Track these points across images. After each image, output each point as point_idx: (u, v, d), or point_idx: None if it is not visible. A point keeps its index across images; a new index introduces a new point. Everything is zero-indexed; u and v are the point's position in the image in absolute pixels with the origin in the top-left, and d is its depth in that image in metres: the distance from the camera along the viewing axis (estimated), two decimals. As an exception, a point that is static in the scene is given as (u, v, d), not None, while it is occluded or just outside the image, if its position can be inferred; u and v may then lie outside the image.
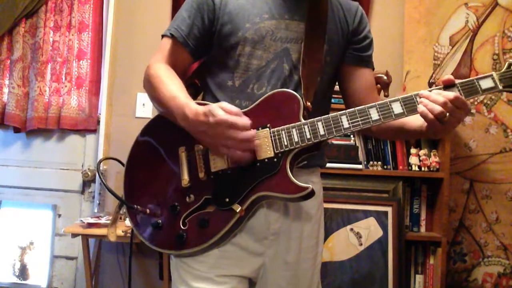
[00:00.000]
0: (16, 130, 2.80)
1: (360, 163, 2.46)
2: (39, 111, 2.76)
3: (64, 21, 2.80)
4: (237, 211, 1.12)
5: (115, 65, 2.86)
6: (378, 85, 2.52)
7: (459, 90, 1.08)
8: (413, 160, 2.46)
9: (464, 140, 2.67)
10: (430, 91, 1.09)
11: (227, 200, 1.13)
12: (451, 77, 1.09)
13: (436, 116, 1.05)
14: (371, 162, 2.50)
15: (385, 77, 2.50)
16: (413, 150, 2.48)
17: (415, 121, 1.16)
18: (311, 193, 1.09)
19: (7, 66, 2.80)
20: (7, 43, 2.79)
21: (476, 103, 2.66)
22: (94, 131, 2.84)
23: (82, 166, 2.86)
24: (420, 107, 1.07)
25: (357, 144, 2.50)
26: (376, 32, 2.76)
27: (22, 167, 2.87)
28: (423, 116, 1.07)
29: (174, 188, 1.19)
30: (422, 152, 2.48)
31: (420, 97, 1.08)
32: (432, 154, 2.47)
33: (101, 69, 2.85)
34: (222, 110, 1.06)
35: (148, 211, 1.20)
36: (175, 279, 1.24)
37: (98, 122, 2.82)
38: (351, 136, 2.51)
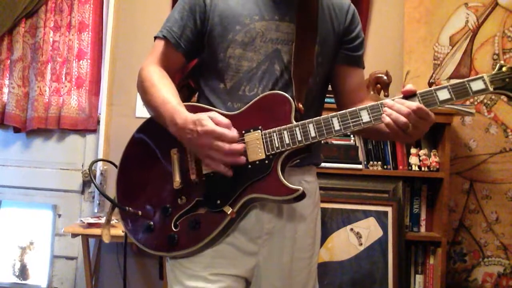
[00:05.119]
0: (16, 130, 2.80)
1: (360, 163, 2.46)
2: (39, 111, 2.76)
3: (64, 21, 2.80)
4: (228, 213, 1.12)
5: (115, 65, 2.86)
6: (378, 85, 2.52)
7: (419, 100, 1.08)
8: (413, 160, 2.46)
9: (464, 140, 2.67)
10: (393, 100, 1.09)
11: (219, 202, 1.13)
12: (411, 87, 1.10)
13: (400, 127, 1.06)
14: (371, 162, 2.50)
15: (385, 77, 2.50)
16: (413, 150, 2.48)
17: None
18: (302, 195, 1.10)
19: (7, 66, 2.80)
20: (7, 43, 2.79)
21: (476, 103, 2.66)
22: (94, 131, 2.84)
23: (82, 166, 2.86)
24: (385, 118, 1.08)
25: (357, 144, 2.50)
26: (376, 32, 2.78)
27: (22, 167, 2.87)
28: (389, 127, 1.08)
29: (166, 189, 1.19)
30: (422, 152, 2.48)
31: (384, 107, 1.09)
32: (432, 154, 2.47)
33: (101, 69, 2.85)
34: (212, 120, 1.08)
35: (140, 213, 1.20)
36: (170, 279, 1.24)
37: (98, 122, 2.82)
38: (351, 136, 2.51)
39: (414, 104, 1.06)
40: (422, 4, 2.68)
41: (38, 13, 2.77)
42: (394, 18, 2.76)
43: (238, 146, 1.09)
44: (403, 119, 1.06)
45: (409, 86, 1.10)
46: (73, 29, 2.80)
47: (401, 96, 1.11)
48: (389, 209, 2.41)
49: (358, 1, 2.67)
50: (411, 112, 1.06)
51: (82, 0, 2.81)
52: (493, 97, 2.65)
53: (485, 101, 2.66)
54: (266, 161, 1.13)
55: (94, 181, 1.33)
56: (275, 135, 1.13)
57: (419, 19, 2.68)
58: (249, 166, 1.13)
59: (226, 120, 1.09)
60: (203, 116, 1.09)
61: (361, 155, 2.50)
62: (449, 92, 1.08)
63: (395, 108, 1.07)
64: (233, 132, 1.09)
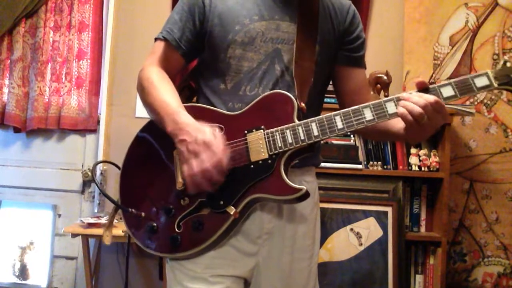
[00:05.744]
0: (16, 130, 2.80)
1: (360, 163, 2.46)
2: (39, 111, 2.76)
3: (64, 21, 2.80)
4: (231, 213, 1.12)
5: (115, 65, 2.86)
6: (378, 85, 2.52)
7: (431, 93, 1.08)
8: (413, 160, 2.46)
9: (464, 140, 2.67)
10: (411, 93, 1.09)
11: (222, 202, 1.13)
12: (424, 80, 1.10)
13: (415, 118, 1.06)
14: (371, 162, 2.50)
15: (385, 77, 2.50)
16: (413, 150, 2.48)
17: (397, 123, 1.16)
18: (306, 195, 1.10)
19: (7, 66, 2.80)
20: (7, 43, 2.79)
21: (476, 103, 2.66)
22: (94, 131, 2.84)
23: (82, 166, 2.86)
24: (400, 109, 1.07)
25: (357, 144, 2.50)
26: (376, 32, 2.78)
27: (22, 167, 2.87)
28: (403, 117, 1.07)
29: (169, 191, 1.18)
30: (422, 152, 2.48)
31: (400, 99, 1.09)
32: (432, 154, 2.47)
33: (101, 69, 2.85)
34: (214, 136, 1.08)
35: (143, 214, 1.20)
36: (170, 280, 1.24)
37: (98, 122, 2.82)
38: (351, 136, 2.51)
39: (432, 97, 1.06)
40: (422, 4, 2.68)
41: (38, 13, 2.77)
42: (394, 18, 2.76)
43: (216, 175, 1.07)
44: (418, 109, 1.05)
45: (420, 79, 1.10)
46: (73, 29, 2.80)
47: (416, 90, 1.10)
48: (389, 209, 2.41)
49: (358, 1, 2.66)
50: (428, 104, 1.05)
51: (82, 0, 2.81)
52: (493, 97, 2.65)
53: (485, 101, 2.66)
54: (269, 161, 1.12)
55: (97, 183, 1.32)
56: (277, 134, 1.13)
57: (419, 19, 2.68)
58: (252, 166, 1.13)
59: (223, 145, 1.09)
60: (209, 128, 1.09)
61: (361, 155, 2.50)
62: (453, 89, 1.07)
63: (413, 100, 1.07)
64: (226, 157, 1.08)
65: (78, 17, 2.80)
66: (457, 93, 1.07)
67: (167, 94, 1.18)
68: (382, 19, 2.79)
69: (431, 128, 1.10)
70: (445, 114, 1.08)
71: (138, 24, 2.86)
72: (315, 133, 1.11)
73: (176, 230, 1.16)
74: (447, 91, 1.08)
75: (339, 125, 1.11)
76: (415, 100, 1.06)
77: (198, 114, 1.15)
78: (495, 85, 1.06)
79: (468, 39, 2.67)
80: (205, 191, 1.11)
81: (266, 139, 1.13)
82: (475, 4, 2.66)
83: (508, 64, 1.07)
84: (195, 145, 1.07)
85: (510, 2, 2.64)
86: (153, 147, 1.25)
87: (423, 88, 1.09)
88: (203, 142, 1.07)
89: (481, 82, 1.07)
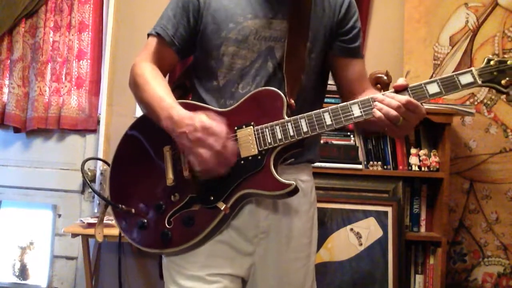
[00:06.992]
0: (16, 130, 2.80)
1: (360, 163, 2.46)
2: (39, 111, 2.76)
3: (64, 21, 2.80)
4: (222, 208, 1.13)
5: (115, 65, 2.86)
6: (378, 85, 2.52)
7: (409, 94, 1.09)
8: (413, 160, 2.46)
9: (464, 140, 2.67)
10: (384, 94, 1.10)
11: (212, 198, 1.14)
12: (403, 81, 1.11)
13: (390, 120, 1.07)
14: (371, 162, 2.49)
15: (385, 77, 2.50)
16: (413, 150, 2.48)
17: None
18: (295, 190, 1.10)
19: (7, 66, 2.80)
20: (7, 43, 2.79)
21: (476, 103, 2.66)
22: (94, 131, 2.84)
23: (82, 166, 2.86)
24: (376, 112, 1.08)
25: (357, 144, 2.50)
26: (376, 32, 2.78)
27: (22, 167, 2.87)
28: (380, 121, 1.09)
29: (159, 187, 1.19)
30: (422, 152, 2.48)
31: (374, 101, 1.10)
32: (432, 154, 2.47)
33: (101, 69, 2.85)
34: (212, 119, 1.08)
35: (133, 210, 1.20)
36: (167, 279, 1.24)
37: (98, 122, 2.82)
38: (351, 136, 2.51)
39: (404, 97, 1.07)
40: (422, 4, 2.68)
41: (38, 13, 2.77)
42: (394, 18, 2.76)
43: (231, 144, 1.09)
44: (393, 112, 1.07)
45: (400, 81, 1.11)
46: (73, 29, 2.80)
47: (392, 90, 1.11)
48: (389, 209, 2.41)
49: (358, 2, 2.66)
50: (401, 105, 1.06)
51: (82, 0, 2.81)
52: (493, 97, 2.66)
53: (485, 101, 2.66)
54: (259, 157, 1.13)
55: (86, 179, 1.33)
56: (267, 130, 1.14)
57: (419, 19, 2.68)
58: (242, 162, 1.14)
59: (219, 118, 1.10)
60: (200, 113, 1.10)
61: (361, 155, 2.50)
62: (439, 86, 1.09)
63: (386, 102, 1.08)
64: (230, 140, 1.09)
65: (78, 17, 2.80)
66: (442, 90, 1.09)
67: (161, 90, 1.18)
68: (382, 19, 2.79)
69: (409, 127, 1.11)
70: (421, 113, 1.09)
71: (138, 24, 2.86)
72: (304, 129, 1.12)
73: (167, 226, 1.16)
74: (433, 88, 1.09)
75: (328, 121, 1.12)
76: (388, 102, 1.08)
77: (189, 111, 1.14)
78: (479, 82, 1.08)
79: (468, 39, 2.67)
80: (216, 177, 1.11)
81: (256, 135, 1.14)
82: (475, 4, 2.67)
83: (492, 63, 1.09)
84: (197, 133, 1.06)
85: (510, 2, 2.64)
86: (143, 144, 1.25)
87: (400, 89, 1.10)
88: (204, 128, 1.06)
89: (465, 79, 1.08)
